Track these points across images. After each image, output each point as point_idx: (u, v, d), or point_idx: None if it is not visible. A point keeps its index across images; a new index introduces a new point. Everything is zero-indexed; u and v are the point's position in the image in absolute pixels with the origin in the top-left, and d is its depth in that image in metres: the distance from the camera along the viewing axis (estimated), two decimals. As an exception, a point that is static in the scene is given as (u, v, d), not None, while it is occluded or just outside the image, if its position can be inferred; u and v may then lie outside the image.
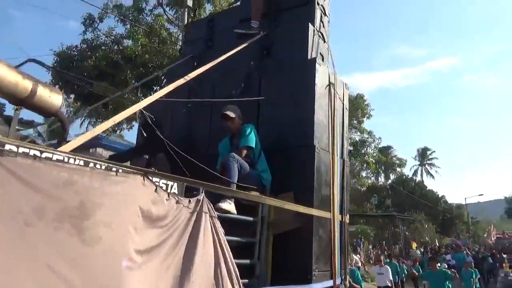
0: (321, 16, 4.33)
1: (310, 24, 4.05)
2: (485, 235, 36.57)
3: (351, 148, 22.83)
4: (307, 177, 3.57)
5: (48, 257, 1.80)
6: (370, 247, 24.63)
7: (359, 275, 8.61)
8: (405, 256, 21.45)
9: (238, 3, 5.10)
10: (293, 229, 3.54)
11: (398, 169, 47.43)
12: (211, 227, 2.89)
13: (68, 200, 1.97)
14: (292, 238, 3.53)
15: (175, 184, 2.86)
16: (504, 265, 15.52)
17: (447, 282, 7.61)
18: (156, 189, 2.52)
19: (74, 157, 2.35)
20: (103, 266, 2.07)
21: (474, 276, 10.41)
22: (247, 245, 3.49)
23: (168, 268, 2.50)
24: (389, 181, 44.05)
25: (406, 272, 12.36)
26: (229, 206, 3.23)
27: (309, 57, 3.93)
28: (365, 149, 22.79)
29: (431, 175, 55.34)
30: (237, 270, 2.82)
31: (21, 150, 1.79)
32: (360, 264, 15.36)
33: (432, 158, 56.85)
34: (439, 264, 8.69)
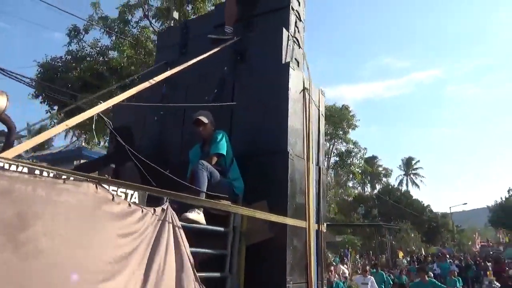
0: (296, 22, 4.21)
1: (284, 29, 3.93)
2: (470, 243, 36.74)
3: (337, 159, 22.82)
4: (280, 185, 3.39)
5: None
6: (358, 257, 24.42)
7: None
8: (392, 265, 21.30)
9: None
10: (267, 240, 3.35)
11: (384, 179, 47.66)
12: (175, 238, 2.69)
13: (3, 210, 1.76)
14: (265, 249, 3.34)
15: (136, 193, 2.67)
16: (488, 273, 15.42)
17: (437, 293, 7.44)
18: (113, 198, 2.32)
19: (16, 163, 2.14)
20: (44, 282, 1.85)
21: (458, 285, 10.28)
22: (218, 258, 3.28)
23: (128, 282, 2.29)
24: (375, 191, 44.12)
25: (391, 282, 12.18)
26: (197, 216, 3.03)
27: (283, 62, 3.79)
28: (351, 159, 22.77)
29: (416, 184, 55.70)
30: (201, 284, 2.62)
31: None
32: (347, 275, 15.15)
33: (416, 168, 57.27)
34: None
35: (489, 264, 16.72)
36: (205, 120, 3.43)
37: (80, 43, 15.10)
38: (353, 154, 22.39)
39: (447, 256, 21.15)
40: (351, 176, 25.71)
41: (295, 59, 4.05)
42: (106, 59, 14.93)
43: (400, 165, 56.75)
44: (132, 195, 2.64)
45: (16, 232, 1.77)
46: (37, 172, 2.11)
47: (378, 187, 46.33)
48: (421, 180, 55.95)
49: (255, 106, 3.70)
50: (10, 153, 2.10)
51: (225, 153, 3.38)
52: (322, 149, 4.11)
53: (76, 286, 1.95)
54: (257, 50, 3.96)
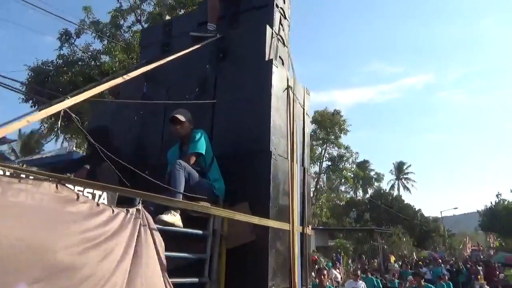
0: (280, 19, 4.07)
1: (268, 26, 3.78)
2: (461, 247, 36.72)
3: (329, 163, 22.70)
4: (262, 186, 3.22)
5: None
6: (350, 261, 24.21)
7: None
8: (384, 270, 21.12)
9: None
10: (249, 243, 3.17)
11: (376, 183, 47.62)
12: (148, 242, 2.50)
13: None
14: (247, 253, 3.16)
15: (104, 194, 2.48)
16: (479, 277, 15.31)
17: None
18: (78, 197, 2.14)
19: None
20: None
21: (447, 290, 10.15)
22: (197, 262, 3.09)
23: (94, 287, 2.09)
24: (367, 195, 44.06)
25: (381, 287, 12.01)
26: (172, 218, 2.84)
27: (266, 59, 3.64)
28: (343, 164, 22.66)
29: (408, 189, 55.69)
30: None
31: None
32: (339, 279, 14.95)
33: (408, 173, 57.32)
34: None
35: (480, 268, 16.60)
36: (181, 118, 3.25)
37: (71, 47, 14.91)
38: (345, 158, 22.29)
39: (440, 260, 21.07)
40: (343, 180, 25.58)
41: (280, 57, 3.89)
42: (97, 63, 14.75)
43: (391, 170, 56.79)
44: (100, 196, 2.46)
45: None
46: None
47: (370, 191, 46.30)
48: (412, 185, 56.04)
49: (237, 104, 3.53)
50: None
51: (204, 153, 3.21)
52: (307, 150, 3.95)
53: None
54: (240, 47, 3.81)
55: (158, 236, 2.58)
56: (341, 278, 16.21)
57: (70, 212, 2.05)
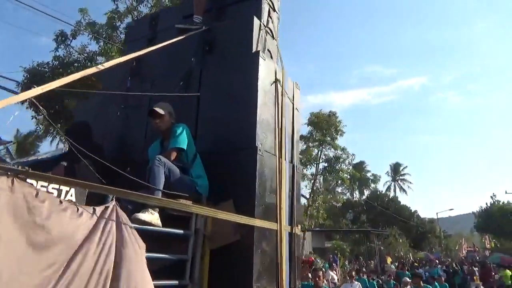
0: (269, 11, 3.87)
1: (255, 18, 3.58)
2: (456, 248, 36.51)
3: (326, 165, 22.47)
4: (247, 183, 3.01)
5: None
6: (347, 262, 23.96)
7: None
8: (380, 271, 20.89)
9: None
10: (233, 243, 2.96)
11: (372, 184, 47.36)
12: (122, 242, 2.28)
13: None
14: (232, 253, 2.95)
15: (73, 190, 2.27)
16: (475, 277, 15.10)
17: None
18: (37, 194, 1.92)
19: None
20: None
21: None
22: (178, 264, 2.87)
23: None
24: (364, 197, 43.80)
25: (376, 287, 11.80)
26: (150, 216, 2.62)
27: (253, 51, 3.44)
28: (340, 165, 22.41)
29: (404, 190, 55.43)
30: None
31: None
32: (336, 281, 14.70)
33: (404, 174, 57.07)
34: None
35: (475, 269, 16.39)
36: (161, 111, 3.04)
37: (67, 48, 14.69)
38: (342, 160, 22.02)
39: (437, 261, 20.87)
40: (339, 182, 25.33)
41: (268, 50, 3.69)
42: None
43: (388, 171, 56.55)
44: (67, 192, 2.25)
45: None
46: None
47: (366, 193, 46.03)
48: (408, 186, 55.80)
49: (223, 98, 3.33)
50: None
51: (185, 148, 3.00)
52: (297, 146, 3.74)
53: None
54: (226, 39, 3.61)
55: (133, 237, 2.36)
56: (338, 279, 15.96)
57: (28, 209, 1.84)
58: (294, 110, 3.76)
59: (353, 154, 22.95)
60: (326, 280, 12.81)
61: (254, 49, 3.47)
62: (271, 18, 3.87)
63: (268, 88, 3.35)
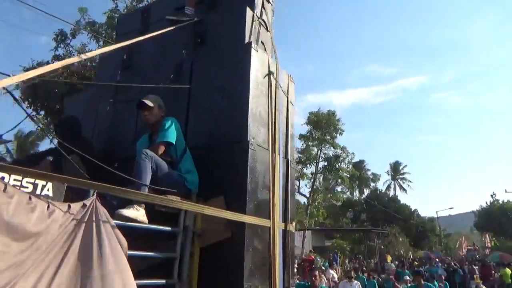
0: (263, 3, 3.73)
1: (248, 9, 3.44)
2: (456, 247, 36.29)
3: (326, 163, 22.33)
4: (239, 178, 2.87)
5: None
6: (347, 261, 23.81)
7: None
8: (380, 270, 20.73)
9: None
10: (224, 240, 2.82)
11: (372, 183, 47.14)
12: (102, 241, 2.13)
13: None
14: (223, 251, 2.81)
15: (50, 185, 2.12)
16: (475, 276, 14.94)
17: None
18: (5, 188, 1.77)
19: None
20: None
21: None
22: (166, 262, 2.73)
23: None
24: (364, 196, 43.59)
25: (377, 285, 11.65)
26: (135, 213, 2.49)
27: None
28: (339, 164, 22.28)
29: (404, 189, 55.10)
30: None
31: None
32: (336, 279, 14.55)
33: (404, 173, 56.74)
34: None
35: (475, 267, 16.23)
36: (150, 103, 2.91)
37: (67, 48, 14.59)
38: (341, 159, 21.89)
39: (437, 260, 20.69)
40: (339, 181, 25.19)
41: (261, 42, 3.55)
42: (93, 64, 14.41)
43: (388, 170, 56.23)
44: (44, 186, 2.10)
45: None
46: None
47: (366, 191, 45.83)
48: (408, 185, 55.48)
49: (214, 91, 3.19)
50: None
51: (174, 142, 2.86)
52: (291, 141, 3.59)
53: None
54: (218, 31, 3.48)
55: (114, 235, 2.21)
56: (338, 278, 15.81)
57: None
58: (289, 103, 3.61)
59: (353, 153, 22.86)
60: (327, 279, 12.67)
61: (246, 41, 3.33)
62: (265, 9, 3.73)
63: (261, 80, 3.21)
